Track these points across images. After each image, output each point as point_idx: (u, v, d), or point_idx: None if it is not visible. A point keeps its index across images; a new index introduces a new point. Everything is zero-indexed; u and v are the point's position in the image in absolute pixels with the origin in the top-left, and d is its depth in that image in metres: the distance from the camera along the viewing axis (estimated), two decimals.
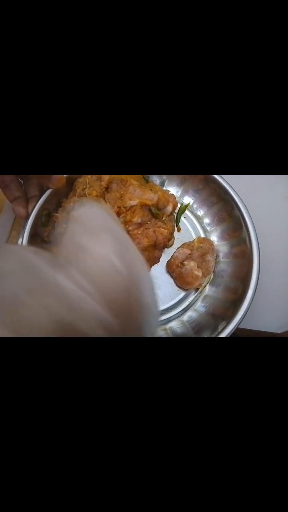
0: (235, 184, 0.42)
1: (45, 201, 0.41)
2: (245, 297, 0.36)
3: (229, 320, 0.35)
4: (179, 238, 0.45)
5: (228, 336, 0.35)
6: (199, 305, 0.41)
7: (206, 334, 0.37)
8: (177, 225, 0.45)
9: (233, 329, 0.35)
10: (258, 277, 0.37)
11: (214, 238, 0.44)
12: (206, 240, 0.42)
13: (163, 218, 0.42)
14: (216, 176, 0.42)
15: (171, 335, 0.39)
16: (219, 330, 0.35)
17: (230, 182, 0.42)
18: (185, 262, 0.40)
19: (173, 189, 0.47)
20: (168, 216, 0.42)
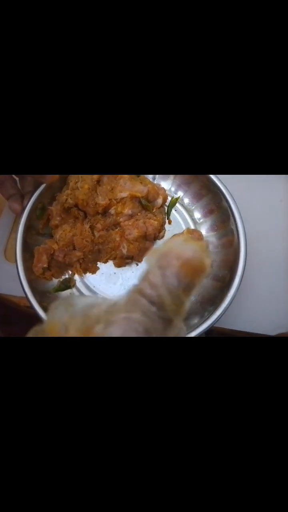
0: (230, 186, 0.42)
1: (40, 195, 0.43)
2: (232, 284, 0.37)
3: (217, 306, 0.36)
4: (170, 231, 0.46)
5: (216, 320, 0.36)
6: None
7: (194, 320, 0.38)
8: (168, 218, 0.47)
9: (220, 314, 0.36)
10: (245, 264, 0.38)
11: (203, 230, 0.45)
12: (195, 231, 0.43)
13: (154, 210, 0.43)
14: None
15: None
16: (206, 316, 0.36)
17: (226, 184, 0.42)
18: None
19: (165, 183, 0.49)
20: (159, 208, 0.44)
